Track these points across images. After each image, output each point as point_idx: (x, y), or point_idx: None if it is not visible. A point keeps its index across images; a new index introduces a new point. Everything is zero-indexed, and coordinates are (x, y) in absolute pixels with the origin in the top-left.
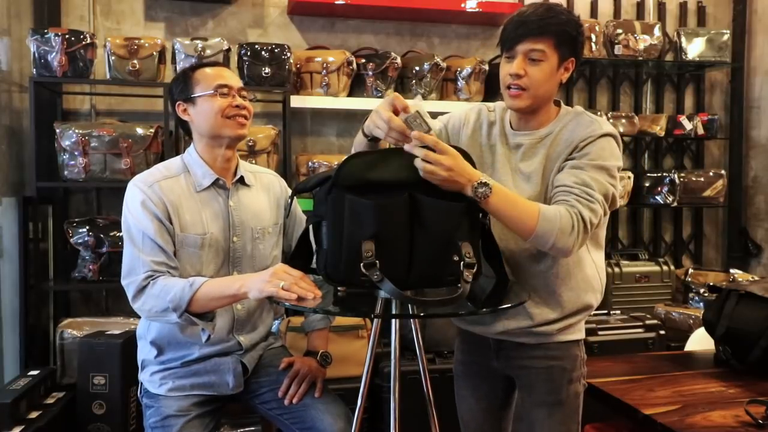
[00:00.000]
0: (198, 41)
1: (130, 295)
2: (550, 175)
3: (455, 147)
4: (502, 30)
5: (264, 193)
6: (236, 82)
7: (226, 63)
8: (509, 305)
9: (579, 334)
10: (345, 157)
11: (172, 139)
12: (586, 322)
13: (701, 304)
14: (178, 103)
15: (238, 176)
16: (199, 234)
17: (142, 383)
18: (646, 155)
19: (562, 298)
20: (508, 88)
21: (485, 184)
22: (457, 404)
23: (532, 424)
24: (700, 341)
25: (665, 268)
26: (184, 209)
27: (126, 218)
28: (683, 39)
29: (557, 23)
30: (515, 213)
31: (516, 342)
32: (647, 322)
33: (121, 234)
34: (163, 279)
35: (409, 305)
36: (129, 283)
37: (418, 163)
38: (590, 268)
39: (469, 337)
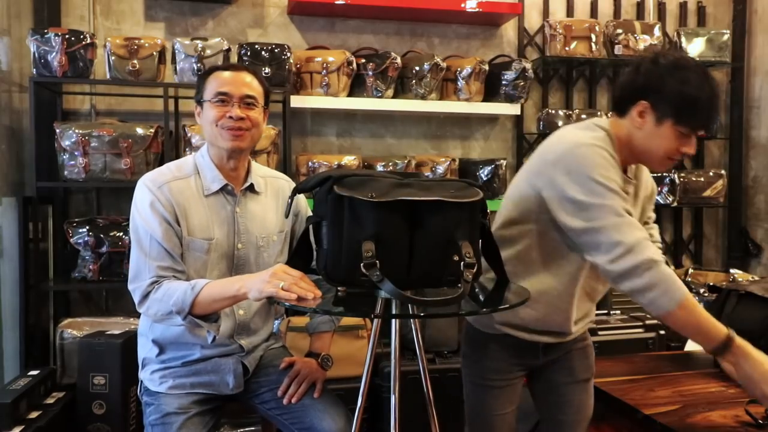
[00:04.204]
0: (198, 41)
1: (136, 299)
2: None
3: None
4: (692, 108)
5: (273, 199)
6: (241, 89)
7: (226, 63)
8: (509, 305)
9: None
10: (344, 158)
11: (172, 139)
12: None
13: (701, 304)
14: (196, 105)
15: (248, 183)
16: (206, 239)
17: (142, 381)
18: None
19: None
20: (671, 158)
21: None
22: (485, 416)
23: (570, 404)
24: None
25: None
26: (192, 212)
27: (134, 218)
28: (683, 39)
29: None
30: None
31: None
32: (647, 322)
33: (120, 234)
34: (166, 283)
35: (409, 305)
36: (135, 288)
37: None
38: None
39: (514, 343)
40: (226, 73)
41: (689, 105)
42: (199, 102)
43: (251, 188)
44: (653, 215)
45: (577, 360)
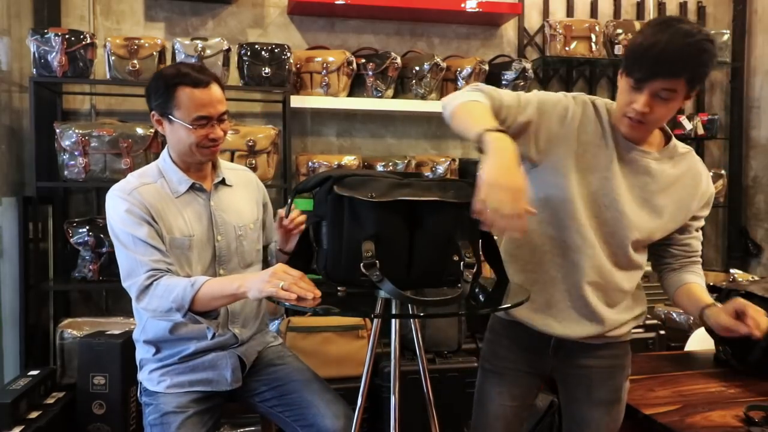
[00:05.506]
0: (198, 41)
1: (133, 295)
2: (683, 220)
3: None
4: (634, 56)
5: (244, 190)
6: (218, 108)
7: (226, 63)
8: (508, 305)
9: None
10: (344, 158)
11: None
12: None
13: None
14: (153, 112)
15: (219, 178)
16: (186, 236)
17: (141, 383)
18: None
19: (632, 305)
20: (626, 115)
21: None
22: (483, 402)
23: (588, 424)
24: (700, 341)
25: None
26: (167, 213)
27: (113, 228)
28: None
29: (698, 63)
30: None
31: (582, 342)
32: (647, 322)
33: None
34: (165, 279)
35: (409, 305)
36: (131, 284)
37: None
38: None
39: (524, 332)
40: (198, 92)
41: (634, 53)
42: (166, 116)
43: (223, 182)
44: (697, 244)
45: (597, 379)
